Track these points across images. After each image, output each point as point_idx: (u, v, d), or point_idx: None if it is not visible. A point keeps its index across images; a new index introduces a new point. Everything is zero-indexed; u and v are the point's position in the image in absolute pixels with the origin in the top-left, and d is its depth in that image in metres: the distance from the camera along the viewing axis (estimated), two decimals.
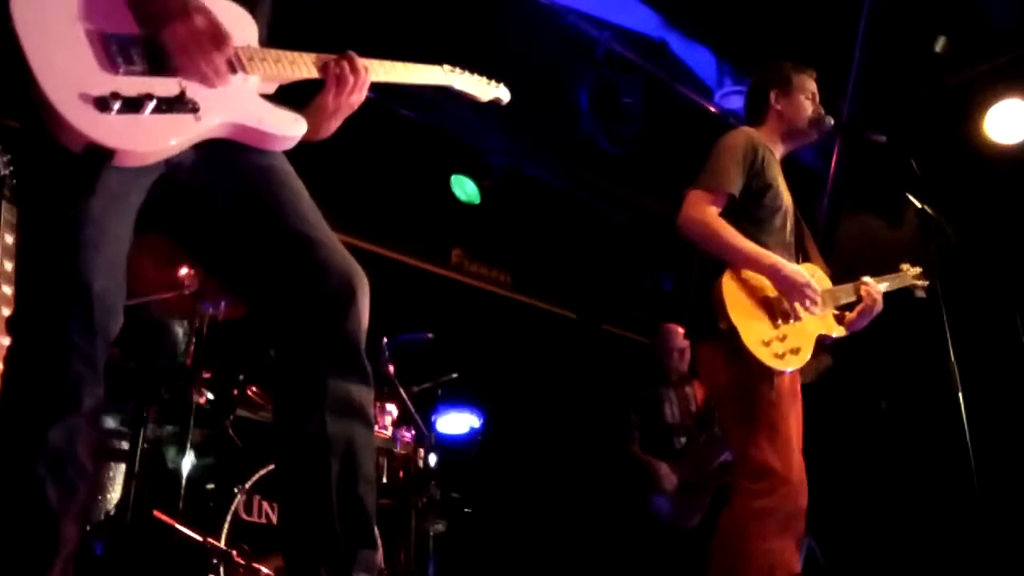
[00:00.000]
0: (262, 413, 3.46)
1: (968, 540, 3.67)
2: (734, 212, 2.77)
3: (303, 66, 1.78)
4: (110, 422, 3.31)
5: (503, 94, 2.17)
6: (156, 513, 2.88)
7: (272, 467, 3.10)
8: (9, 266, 2.59)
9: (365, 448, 1.64)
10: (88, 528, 3.04)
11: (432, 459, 3.74)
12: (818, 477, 2.73)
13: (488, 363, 4.98)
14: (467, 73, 2.09)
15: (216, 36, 1.60)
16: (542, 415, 5.53)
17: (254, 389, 3.42)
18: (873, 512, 4.90)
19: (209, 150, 1.63)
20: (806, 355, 2.73)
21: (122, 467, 3.13)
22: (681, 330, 4.82)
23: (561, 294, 6.28)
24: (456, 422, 4.95)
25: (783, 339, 2.68)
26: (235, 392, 3.36)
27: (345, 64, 1.79)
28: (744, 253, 2.69)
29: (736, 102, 4.74)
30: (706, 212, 2.73)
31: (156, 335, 3.87)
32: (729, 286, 2.67)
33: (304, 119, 1.74)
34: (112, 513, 3.08)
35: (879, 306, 2.97)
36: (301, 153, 1.80)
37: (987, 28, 4.31)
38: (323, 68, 1.79)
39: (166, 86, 1.54)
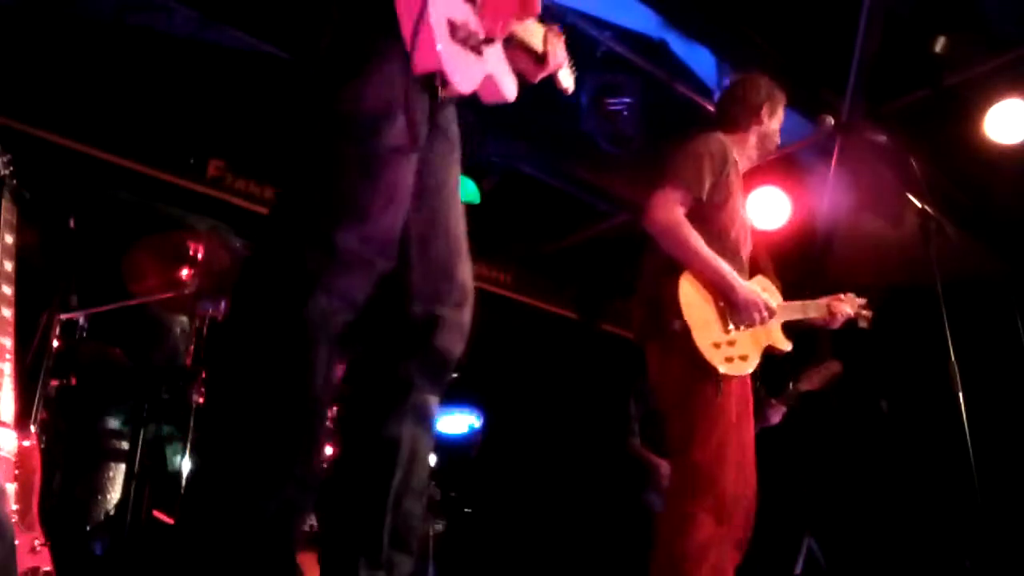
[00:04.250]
0: None
1: (968, 540, 3.67)
2: (693, 218, 2.76)
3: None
4: (110, 422, 3.31)
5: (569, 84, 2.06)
6: (156, 513, 2.88)
7: None
8: (9, 266, 2.58)
9: (425, 460, 1.68)
10: (88, 528, 3.05)
11: (432, 459, 3.74)
12: (819, 477, 2.73)
13: (488, 363, 4.97)
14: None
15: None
16: (542, 415, 5.53)
17: None
18: (873, 512, 4.89)
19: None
20: (753, 363, 2.75)
21: (122, 467, 3.13)
22: None
23: (561, 294, 6.28)
24: (456, 422, 4.96)
25: (732, 344, 2.69)
26: None
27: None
28: (706, 263, 2.70)
29: None
30: (676, 213, 2.73)
31: (156, 335, 3.87)
32: (685, 286, 2.67)
33: None
34: (112, 513, 3.08)
35: (836, 325, 3.09)
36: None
37: (987, 28, 4.31)
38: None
39: None
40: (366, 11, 1.53)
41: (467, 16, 1.52)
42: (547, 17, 1.85)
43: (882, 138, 3.20)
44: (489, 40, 1.56)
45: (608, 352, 6.22)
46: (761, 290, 2.82)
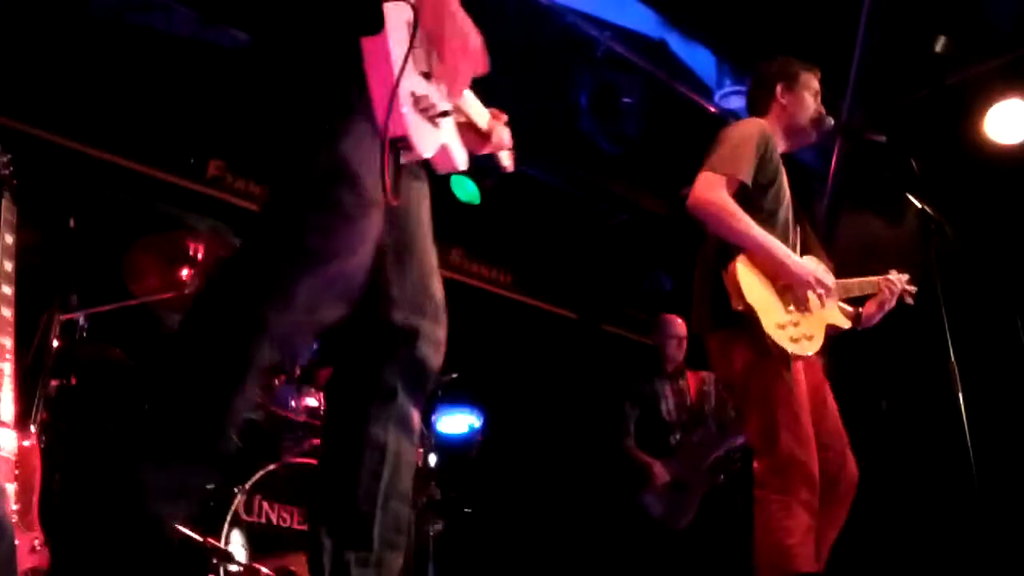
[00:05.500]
0: (262, 413, 3.46)
1: (968, 540, 3.67)
2: (740, 202, 2.73)
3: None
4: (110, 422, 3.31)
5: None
6: None
7: (272, 467, 3.11)
8: (9, 266, 2.58)
9: (409, 466, 1.74)
10: None
11: (432, 459, 3.73)
12: None
13: (488, 363, 4.97)
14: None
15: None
16: (542, 415, 5.52)
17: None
18: (873, 512, 4.89)
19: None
20: (818, 343, 2.73)
21: None
22: (680, 320, 4.82)
23: (561, 294, 6.28)
24: (456, 422, 4.95)
25: (796, 325, 2.68)
26: None
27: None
28: (758, 241, 2.67)
29: (736, 102, 4.74)
30: (721, 195, 2.68)
31: (156, 335, 3.87)
32: (743, 269, 2.64)
33: None
34: None
35: (893, 302, 3.04)
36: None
37: (987, 28, 4.31)
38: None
39: None
40: (341, 64, 1.59)
41: (427, 90, 1.65)
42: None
43: (882, 138, 3.19)
44: (444, 113, 1.69)
45: (608, 352, 6.22)
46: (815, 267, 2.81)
